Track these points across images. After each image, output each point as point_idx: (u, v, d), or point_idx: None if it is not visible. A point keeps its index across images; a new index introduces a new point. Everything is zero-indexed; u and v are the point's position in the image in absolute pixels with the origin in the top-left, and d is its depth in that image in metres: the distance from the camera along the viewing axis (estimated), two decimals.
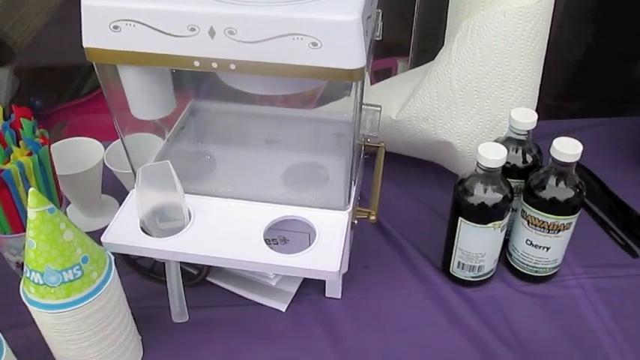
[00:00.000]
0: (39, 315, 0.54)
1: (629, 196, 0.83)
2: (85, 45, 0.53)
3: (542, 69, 0.75)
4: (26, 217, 0.63)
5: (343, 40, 0.49)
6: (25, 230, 0.65)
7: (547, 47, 0.74)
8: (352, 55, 0.49)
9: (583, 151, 0.62)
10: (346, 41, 0.49)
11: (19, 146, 0.62)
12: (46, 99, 1.29)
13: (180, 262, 0.64)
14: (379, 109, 0.59)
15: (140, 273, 0.70)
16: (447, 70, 0.74)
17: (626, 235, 0.78)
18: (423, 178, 0.87)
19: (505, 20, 0.70)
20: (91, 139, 0.77)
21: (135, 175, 0.64)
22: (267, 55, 0.50)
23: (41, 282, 0.52)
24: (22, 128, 0.63)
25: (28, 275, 0.53)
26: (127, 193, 0.79)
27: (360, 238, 0.74)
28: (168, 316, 0.64)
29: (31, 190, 0.49)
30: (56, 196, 0.66)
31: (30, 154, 0.61)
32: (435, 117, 0.76)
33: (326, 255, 0.58)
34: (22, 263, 0.67)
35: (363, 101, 0.56)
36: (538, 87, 0.76)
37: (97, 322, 0.56)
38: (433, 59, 0.79)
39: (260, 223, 0.61)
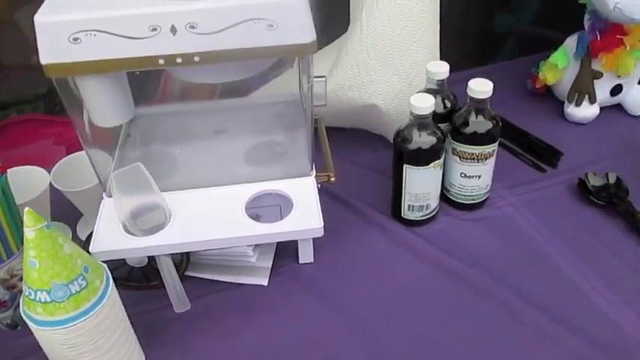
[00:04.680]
0: (50, 335, 0.55)
1: (524, 124, 0.97)
2: (42, 62, 0.54)
3: (439, 27, 0.86)
4: None
5: (294, 18, 0.54)
6: None
7: None
8: (303, 31, 0.55)
9: None
10: (297, 19, 0.55)
11: None
12: None
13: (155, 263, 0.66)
14: (324, 79, 0.65)
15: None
16: (361, 41, 0.82)
17: (531, 156, 0.92)
18: (354, 144, 0.95)
19: None
20: (33, 167, 0.75)
21: (102, 185, 0.65)
22: (227, 43, 0.54)
23: (49, 299, 0.53)
24: None
25: (32, 297, 0.53)
26: (76, 214, 0.78)
27: None
28: (154, 318, 0.66)
29: (26, 209, 0.50)
30: (20, 225, 0.65)
31: None
32: (358, 84, 0.84)
33: (308, 215, 0.63)
34: None
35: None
36: (438, 44, 0.86)
37: (106, 328, 0.57)
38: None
39: (237, 202, 0.65)
